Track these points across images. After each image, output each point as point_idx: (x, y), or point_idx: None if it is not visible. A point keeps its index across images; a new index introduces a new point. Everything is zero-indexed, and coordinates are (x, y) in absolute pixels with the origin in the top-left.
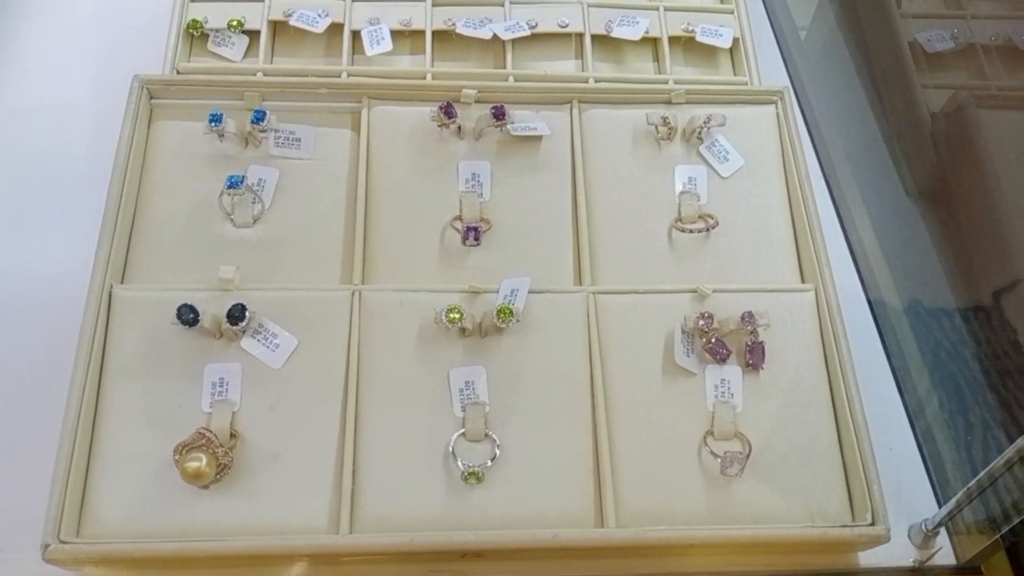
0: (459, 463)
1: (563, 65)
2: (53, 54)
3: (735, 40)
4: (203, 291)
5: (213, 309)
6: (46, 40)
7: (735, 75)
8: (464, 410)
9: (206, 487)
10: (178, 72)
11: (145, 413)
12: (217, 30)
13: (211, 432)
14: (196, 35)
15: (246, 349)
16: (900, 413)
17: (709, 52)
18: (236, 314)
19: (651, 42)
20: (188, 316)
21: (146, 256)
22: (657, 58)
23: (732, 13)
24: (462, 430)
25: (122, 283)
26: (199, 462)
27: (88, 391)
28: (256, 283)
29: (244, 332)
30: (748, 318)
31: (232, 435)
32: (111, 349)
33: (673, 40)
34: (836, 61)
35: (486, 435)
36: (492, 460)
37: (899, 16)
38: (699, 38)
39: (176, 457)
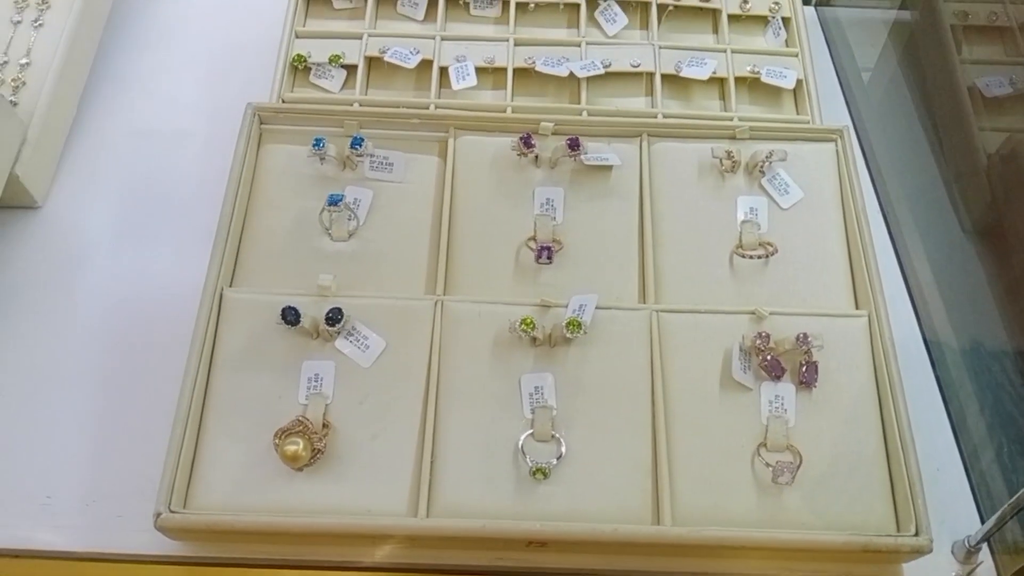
0: (527, 460)
1: (634, 102)
2: (170, 82)
3: (798, 81)
4: (304, 296)
5: (312, 312)
6: (164, 69)
7: (798, 114)
8: (533, 412)
9: (301, 469)
10: (283, 101)
11: (249, 402)
12: (319, 64)
13: (308, 420)
14: (300, 68)
15: (340, 349)
16: (948, 437)
17: (773, 92)
18: (333, 316)
19: (718, 82)
20: (291, 317)
21: (254, 263)
22: (723, 96)
23: (796, 56)
24: (531, 430)
25: (231, 286)
26: (296, 446)
27: (199, 381)
28: (350, 291)
29: (339, 333)
30: (803, 339)
31: (325, 424)
32: (220, 345)
33: (739, 80)
34: (898, 104)
35: (552, 436)
36: (558, 459)
37: (959, 62)
38: (764, 79)
39: (276, 441)
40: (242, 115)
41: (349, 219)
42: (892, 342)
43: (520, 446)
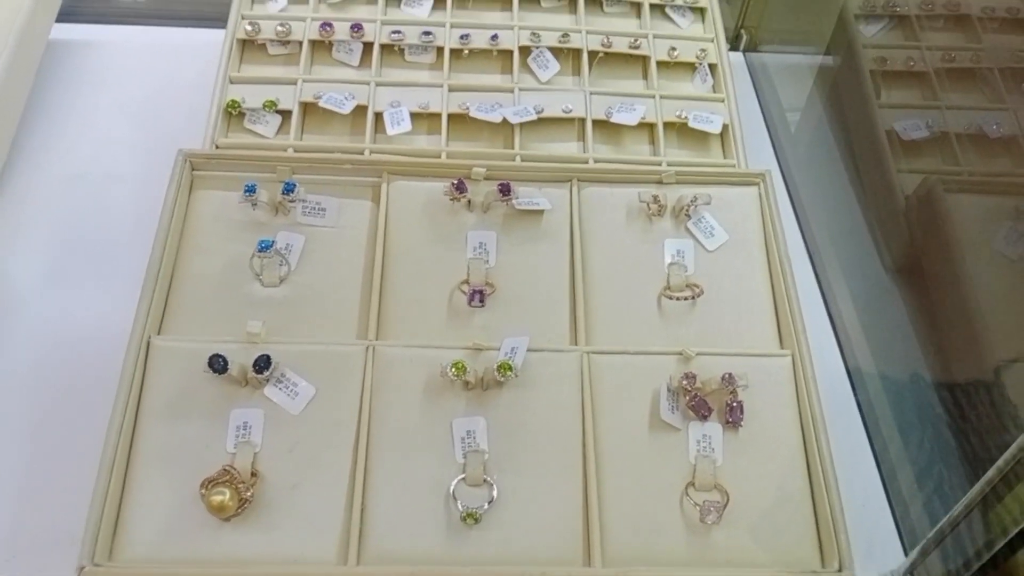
0: (459, 505)
1: (566, 147)
2: (103, 127)
3: (724, 126)
4: (232, 343)
5: (241, 359)
6: (97, 113)
7: (724, 158)
8: (465, 456)
9: (228, 519)
10: (216, 146)
11: (175, 451)
12: (253, 109)
13: (235, 469)
14: (234, 113)
15: (269, 396)
16: (873, 471)
17: (701, 136)
18: (262, 364)
19: (647, 127)
20: (219, 365)
21: (183, 310)
22: (653, 141)
23: (723, 101)
24: (463, 475)
25: (159, 334)
26: (223, 496)
27: (125, 429)
28: (280, 337)
29: (268, 380)
30: (728, 379)
31: (253, 473)
32: (148, 393)
33: (668, 125)
34: (822, 147)
35: (484, 480)
36: (489, 503)
37: (878, 106)
38: (691, 124)
39: (202, 491)
40: (173, 161)
41: (280, 264)
42: (815, 380)
43: (452, 491)
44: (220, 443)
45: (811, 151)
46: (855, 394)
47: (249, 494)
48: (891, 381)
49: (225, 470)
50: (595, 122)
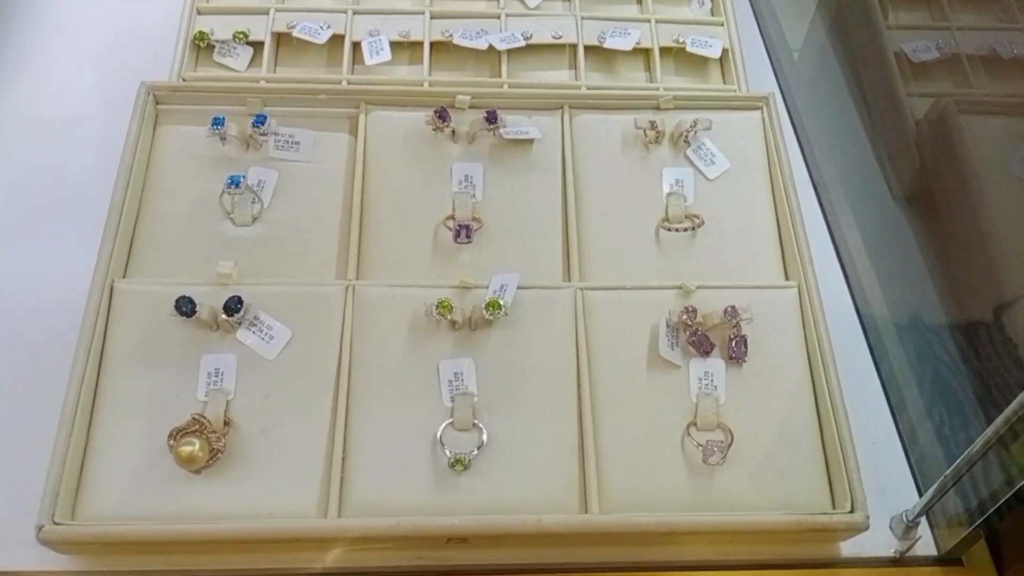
0: (447, 451)
1: (557, 75)
2: (64, 68)
3: (724, 51)
4: (202, 285)
5: (211, 301)
6: (56, 53)
7: (724, 84)
8: (453, 400)
9: (199, 472)
10: (184, 81)
11: (142, 401)
12: (222, 41)
13: (205, 418)
14: (202, 46)
15: (241, 340)
16: (884, 410)
17: (699, 63)
18: (232, 306)
19: (643, 53)
20: (186, 307)
21: (148, 253)
22: (648, 68)
23: (722, 25)
24: (450, 419)
25: (124, 277)
26: (192, 446)
27: (87, 380)
28: (253, 278)
29: (240, 324)
30: (731, 312)
31: (226, 423)
32: (111, 341)
33: (664, 51)
34: (827, 72)
35: (473, 424)
36: (479, 448)
37: (886, 28)
38: (689, 48)
39: (171, 442)
40: (136, 96)
41: (252, 202)
42: (823, 313)
43: (439, 437)
44: (190, 392)
45: (815, 76)
46: (864, 330)
47: (221, 444)
48: (902, 315)
49: (195, 419)
50: (587, 48)
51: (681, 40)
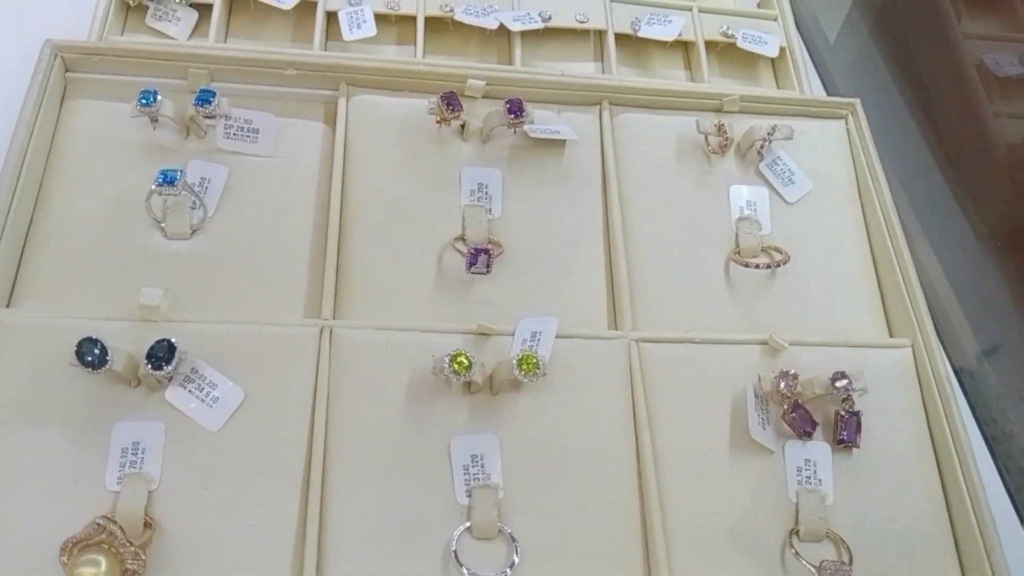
0: (464, 571)
1: (580, 67)
2: None
3: (781, 49)
4: (116, 321)
5: (129, 345)
6: None
7: (778, 88)
8: (470, 495)
9: None
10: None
11: (24, 489)
12: (159, 1)
13: (115, 523)
14: (132, 5)
15: (172, 403)
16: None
17: (747, 62)
18: (161, 354)
19: (681, 46)
20: (92, 354)
21: (44, 271)
22: (688, 65)
23: (775, 20)
24: (467, 523)
25: (8, 306)
26: (96, 568)
27: None
28: (191, 314)
29: (171, 379)
30: (841, 381)
31: (147, 524)
32: None
33: (706, 46)
34: (880, 82)
35: (500, 531)
36: (511, 568)
37: (963, 37)
38: (740, 44)
39: (64, 559)
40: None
41: (192, 207)
42: (949, 382)
43: (453, 549)
44: (96, 477)
45: (867, 87)
46: (965, 394)
47: (139, 563)
48: (1003, 368)
49: (100, 525)
50: (618, 36)
51: (730, 33)
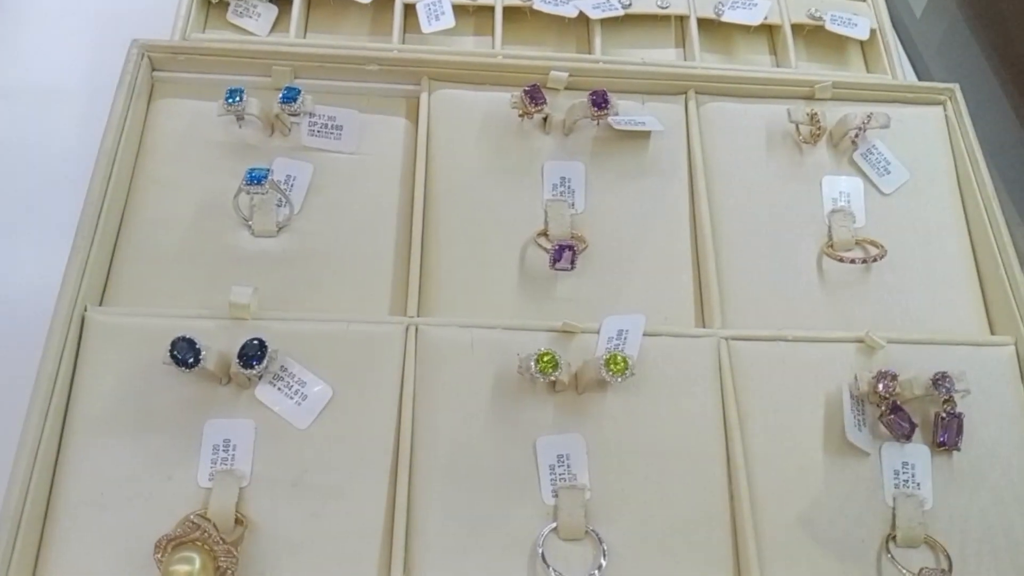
0: (551, 572)
1: (661, 54)
2: (39, 26)
3: (872, 32)
4: (208, 319)
5: (220, 345)
6: (31, 8)
7: (868, 72)
8: (556, 495)
9: None
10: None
11: (119, 486)
12: None
13: (208, 520)
14: (214, 2)
15: (263, 401)
16: None
17: (836, 45)
18: (251, 353)
19: (766, 30)
20: (186, 354)
21: (134, 271)
22: (773, 50)
23: (866, 0)
24: (554, 523)
25: (101, 304)
26: (190, 566)
27: (43, 452)
28: (279, 311)
29: (261, 377)
30: (942, 382)
31: (238, 521)
32: (79, 394)
33: (793, 29)
34: (966, 61)
35: (587, 532)
36: (598, 571)
37: None
38: (829, 26)
39: (158, 556)
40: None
41: (279, 205)
42: None
43: (539, 550)
44: (188, 474)
45: (957, 67)
46: None
47: (231, 560)
48: None
49: (193, 523)
50: (700, 21)
51: (818, 16)
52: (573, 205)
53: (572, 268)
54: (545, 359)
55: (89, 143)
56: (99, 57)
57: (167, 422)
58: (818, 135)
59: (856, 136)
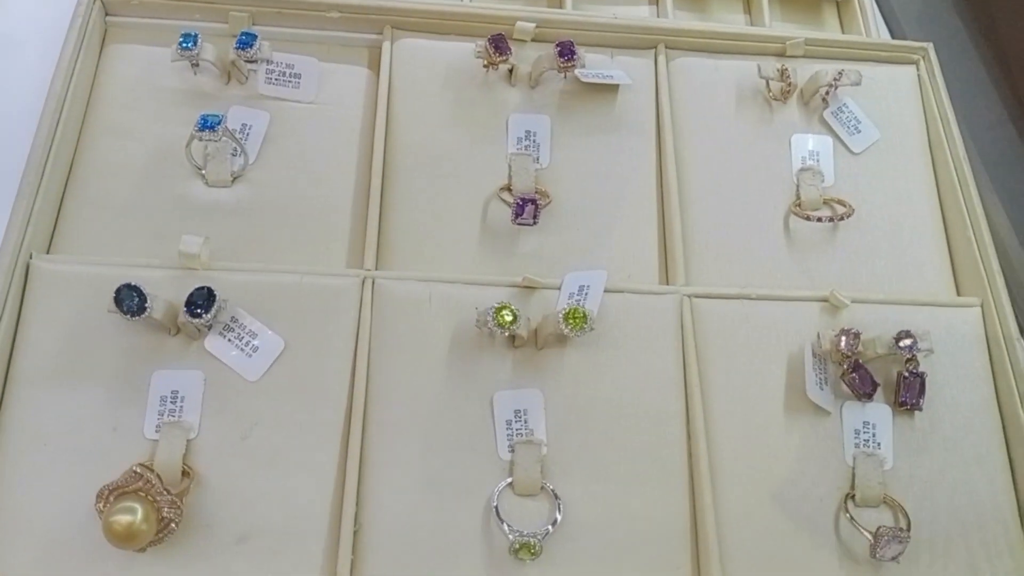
0: (505, 527)
1: (633, 11)
2: None
3: None
4: (157, 269)
5: (168, 294)
6: None
7: (844, 33)
8: (512, 451)
9: (143, 550)
10: None
11: (63, 437)
12: None
13: (152, 471)
14: None
15: (212, 352)
16: None
17: (810, 4)
18: (200, 301)
19: None
20: (131, 301)
21: (84, 220)
22: (747, 9)
23: None
24: (509, 479)
25: (47, 252)
26: (132, 516)
27: None
28: (231, 262)
29: (210, 328)
30: (905, 340)
31: (185, 473)
32: (23, 343)
33: None
34: (942, 23)
35: (542, 488)
36: (552, 525)
37: None
38: None
39: (100, 506)
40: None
41: (233, 154)
42: (1018, 342)
43: (494, 505)
44: (135, 424)
45: (933, 30)
46: None
47: (176, 512)
48: None
49: (136, 472)
50: None
51: None
52: (538, 160)
53: (534, 223)
54: (503, 313)
55: (41, 91)
56: (51, 2)
57: (113, 372)
58: (788, 92)
59: (827, 94)
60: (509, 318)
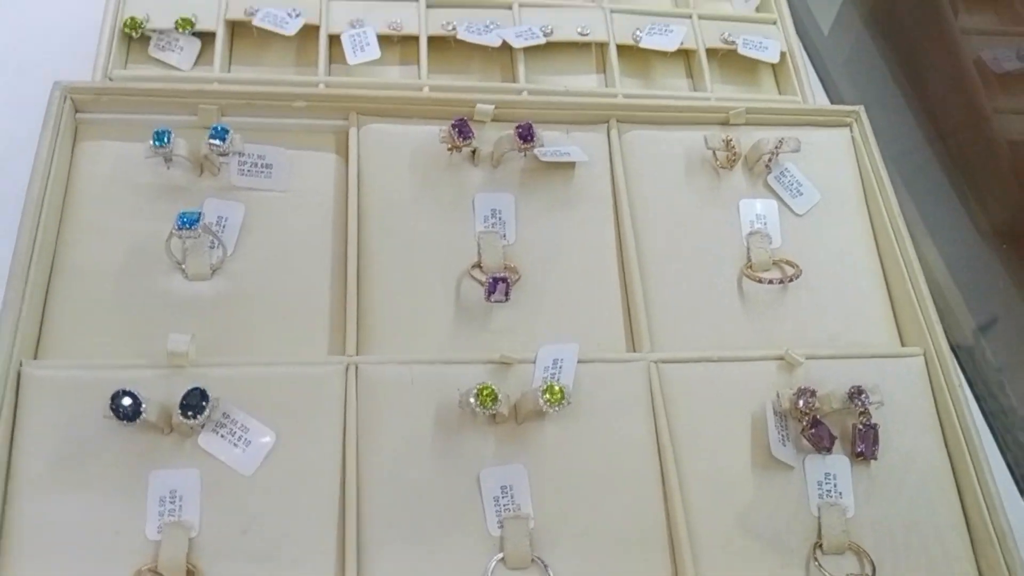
0: None
1: (583, 80)
2: None
3: (782, 54)
4: (146, 368)
5: (160, 394)
6: None
7: (780, 95)
8: (502, 526)
9: None
10: (111, 80)
11: (68, 545)
12: (161, 31)
13: (159, 575)
14: (135, 37)
15: (206, 449)
16: (1017, 502)
17: (749, 68)
18: (193, 403)
19: (682, 55)
20: (127, 407)
21: (68, 321)
22: (690, 74)
23: (775, 23)
24: (500, 554)
25: (35, 358)
26: None
27: None
28: (218, 357)
29: (204, 426)
30: (857, 395)
31: (189, 573)
32: (19, 452)
33: (707, 54)
34: (880, 82)
35: (533, 560)
36: None
37: (961, 32)
38: (741, 50)
39: None
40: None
41: (211, 247)
42: (962, 389)
43: None
44: (136, 527)
45: (866, 86)
46: (977, 399)
47: None
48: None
49: None
50: (619, 47)
51: (731, 39)
52: (505, 236)
53: (507, 300)
54: (485, 393)
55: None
56: (18, 101)
57: (111, 475)
58: (734, 160)
59: (769, 160)
60: (492, 398)
